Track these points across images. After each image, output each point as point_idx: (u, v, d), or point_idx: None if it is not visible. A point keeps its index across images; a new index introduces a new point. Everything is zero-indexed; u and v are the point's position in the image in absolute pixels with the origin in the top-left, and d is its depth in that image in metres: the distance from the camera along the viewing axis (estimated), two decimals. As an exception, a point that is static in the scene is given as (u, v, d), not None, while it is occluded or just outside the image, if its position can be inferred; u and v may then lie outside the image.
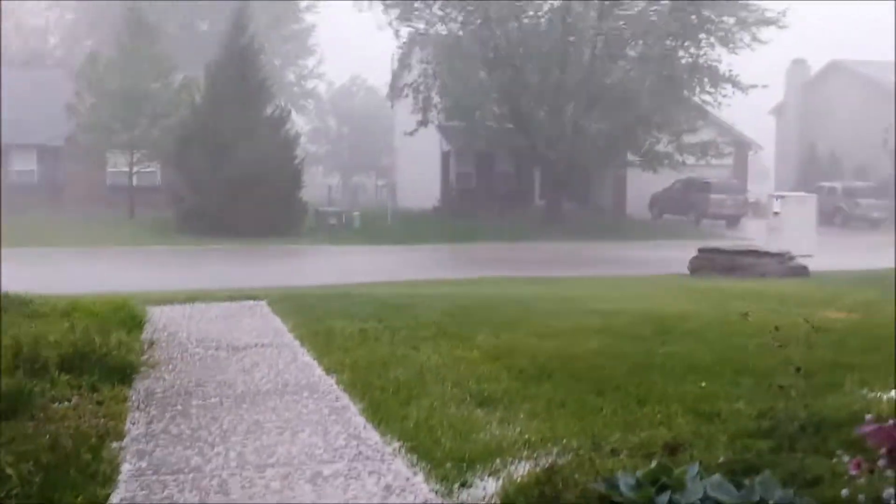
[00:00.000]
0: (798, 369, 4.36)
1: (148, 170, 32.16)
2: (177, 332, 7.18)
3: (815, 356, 5.99)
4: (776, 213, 22.69)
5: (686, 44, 30.53)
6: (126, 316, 7.32)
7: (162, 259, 21.33)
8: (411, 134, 32.53)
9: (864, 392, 5.08)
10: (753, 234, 28.39)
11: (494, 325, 7.50)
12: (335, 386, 5.52)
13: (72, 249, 22.39)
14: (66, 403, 4.82)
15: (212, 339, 6.97)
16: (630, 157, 32.66)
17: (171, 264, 20.18)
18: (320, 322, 7.57)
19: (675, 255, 19.56)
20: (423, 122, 32.04)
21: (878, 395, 5.02)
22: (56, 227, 26.64)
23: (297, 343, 6.87)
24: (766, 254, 16.48)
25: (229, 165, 26.57)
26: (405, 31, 32.33)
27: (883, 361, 6.12)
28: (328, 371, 5.88)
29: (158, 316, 7.95)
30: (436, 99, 32.41)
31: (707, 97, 31.40)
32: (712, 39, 30.48)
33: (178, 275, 17.33)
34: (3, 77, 31.90)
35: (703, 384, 5.40)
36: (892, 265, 15.88)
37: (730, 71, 30.66)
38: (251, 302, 9.05)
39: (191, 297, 9.24)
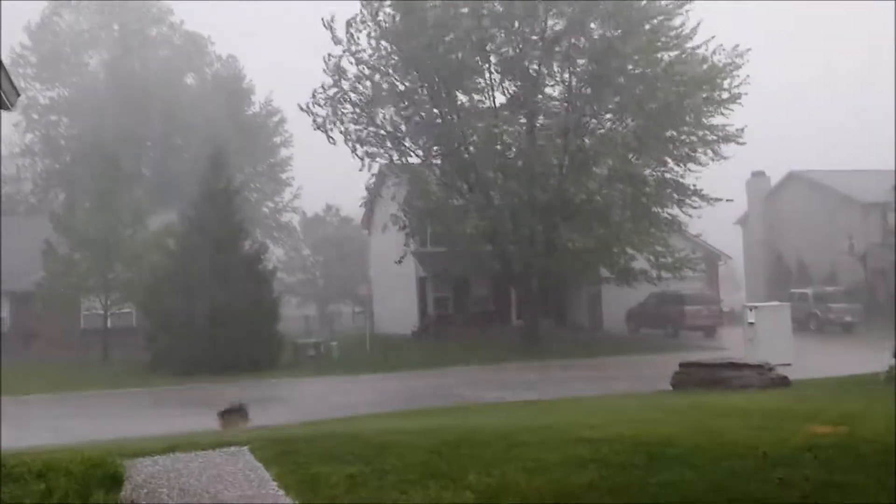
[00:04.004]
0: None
1: (123, 311, 31.92)
2: (157, 489, 6.96)
3: (806, 477, 5.97)
4: (751, 324, 22.90)
5: (651, 161, 31.48)
6: (104, 474, 7.09)
7: (139, 402, 20.95)
8: (399, 262, 33.02)
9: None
10: (731, 344, 28.54)
11: (483, 461, 7.37)
12: (325, 540, 5.36)
13: (46, 395, 21.98)
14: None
15: (194, 494, 6.76)
16: (604, 273, 33.06)
17: (149, 408, 19.81)
18: (305, 468, 7.39)
19: (656, 370, 19.58)
20: (407, 247, 32.64)
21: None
22: (29, 373, 26.16)
23: (282, 493, 6.68)
24: (746, 366, 16.49)
25: (206, 304, 26.55)
26: (377, 163, 33.09)
27: (872, 480, 6.10)
28: (316, 523, 5.72)
29: (138, 471, 7.72)
30: (413, 224, 33.01)
31: (675, 211, 32.22)
32: (676, 154, 31.50)
33: (156, 419, 17.00)
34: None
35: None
36: (869, 370, 15.99)
37: (694, 185, 31.61)
38: (234, 448, 8.84)
39: (171, 447, 9.00)
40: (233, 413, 12.94)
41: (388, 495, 6.22)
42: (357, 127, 32.22)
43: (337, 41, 31.73)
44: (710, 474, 6.54)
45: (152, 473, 7.68)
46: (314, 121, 31.79)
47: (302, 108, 31.94)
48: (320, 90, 31.91)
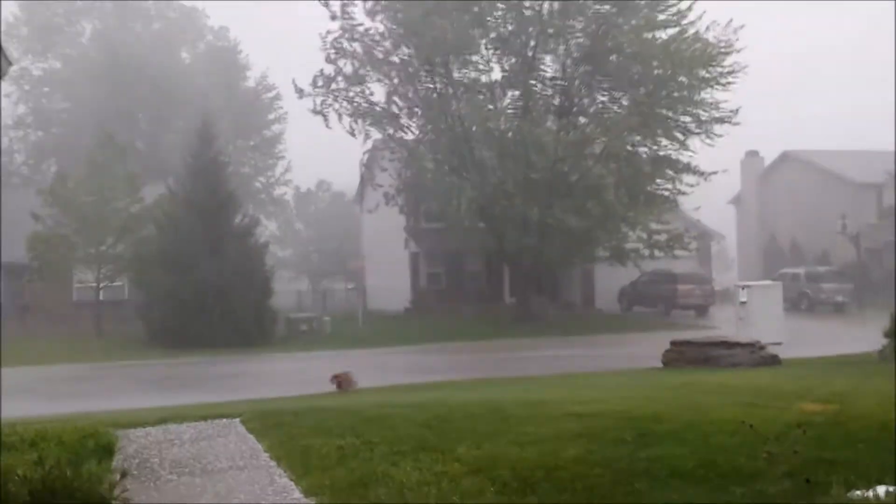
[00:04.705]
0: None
1: (115, 284, 31.79)
2: (149, 459, 6.99)
3: (796, 453, 5.99)
4: (743, 303, 22.98)
5: (646, 140, 31.45)
6: (96, 444, 7.12)
7: (131, 376, 20.93)
8: (406, 240, 32.83)
9: (850, 493, 5.05)
10: (722, 323, 28.69)
11: (474, 434, 7.40)
12: (315, 510, 5.39)
13: (38, 368, 21.95)
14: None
15: (185, 464, 6.79)
16: (598, 252, 33.10)
17: (141, 381, 19.79)
18: (296, 440, 7.42)
19: (647, 348, 19.65)
20: (410, 224, 32.64)
21: (863, 494, 5.00)
22: (22, 345, 26.12)
23: (273, 464, 6.71)
24: (737, 344, 16.56)
25: (198, 277, 26.49)
26: (371, 139, 32.94)
27: (863, 456, 6.13)
28: (307, 493, 5.73)
29: (130, 441, 7.74)
30: (408, 202, 32.98)
31: (669, 187, 32.24)
32: (671, 133, 31.45)
33: (148, 392, 17.00)
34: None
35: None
36: (859, 350, 16.11)
37: (689, 161, 31.65)
38: (225, 420, 8.87)
39: (162, 419, 9.03)
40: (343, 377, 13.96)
41: (378, 467, 6.24)
42: (352, 104, 32.01)
43: (333, 17, 31.54)
44: (699, 449, 6.56)
45: (144, 444, 7.70)
46: (313, 105, 31.60)
47: (297, 89, 31.64)
48: (318, 73, 31.69)
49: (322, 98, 31.67)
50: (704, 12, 30.30)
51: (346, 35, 31.70)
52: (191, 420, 8.95)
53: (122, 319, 30.17)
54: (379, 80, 32.22)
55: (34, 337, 28.92)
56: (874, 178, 43.09)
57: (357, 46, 31.80)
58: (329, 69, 31.79)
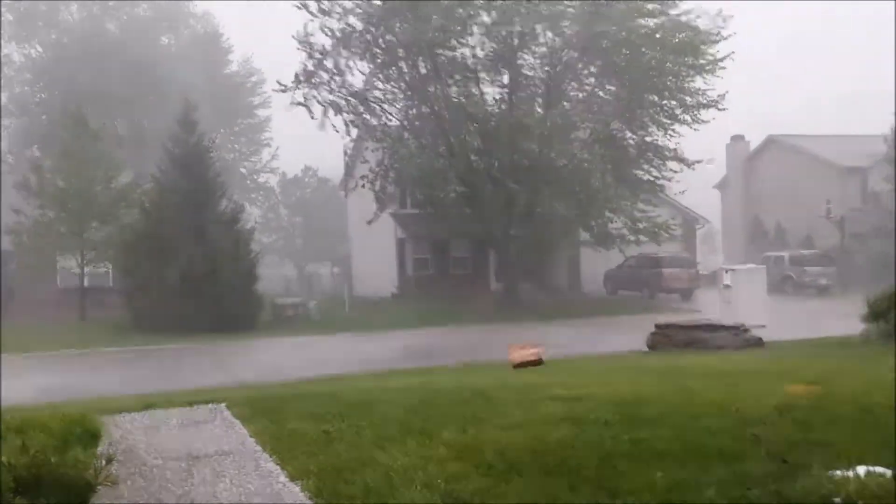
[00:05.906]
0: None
1: (100, 270, 31.60)
2: (135, 445, 6.98)
3: (780, 435, 6.06)
4: (727, 286, 23.13)
5: (632, 125, 31.50)
6: (82, 431, 7.10)
7: (116, 362, 20.86)
8: (370, 223, 32.68)
9: (830, 473, 5.11)
10: (707, 306, 28.83)
11: (459, 418, 7.42)
12: (301, 494, 5.40)
13: (23, 355, 21.83)
14: (21, 530, 4.64)
15: (171, 450, 6.79)
16: (583, 237, 33.19)
17: (127, 367, 19.74)
18: (282, 425, 7.43)
19: (632, 331, 19.75)
20: (381, 209, 32.39)
21: (843, 474, 5.05)
22: (6, 332, 25.96)
23: (259, 449, 6.71)
24: (722, 327, 16.70)
25: (183, 263, 26.39)
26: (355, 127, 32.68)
27: (846, 438, 6.19)
28: (293, 478, 5.74)
29: (116, 427, 7.73)
30: (390, 188, 32.79)
31: (655, 173, 32.31)
32: (657, 119, 31.50)
33: (133, 378, 16.96)
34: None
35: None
36: (842, 332, 16.22)
37: (675, 148, 31.70)
38: (211, 405, 8.86)
39: (148, 404, 9.02)
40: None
41: (364, 451, 6.27)
42: (334, 96, 31.76)
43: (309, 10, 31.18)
44: (683, 432, 6.61)
45: (130, 430, 7.69)
46: (293, 99, 31.30)
47: (281, 85, 31.29)
48: (301, 65, 31.37)
49: (304, 90, 31.39)
50: (699, 14, 30.54)
51: (327, 18, 31.32)
52: (176, 406, 8.95)
53: (108, 305, 30.03)
54: (360, 68, 31.99)
55: (18, 323, 28.74)
56: (859, 163, 43.33)
57: (337, 27, 31.41)
58: (309, 61, 31.41)
